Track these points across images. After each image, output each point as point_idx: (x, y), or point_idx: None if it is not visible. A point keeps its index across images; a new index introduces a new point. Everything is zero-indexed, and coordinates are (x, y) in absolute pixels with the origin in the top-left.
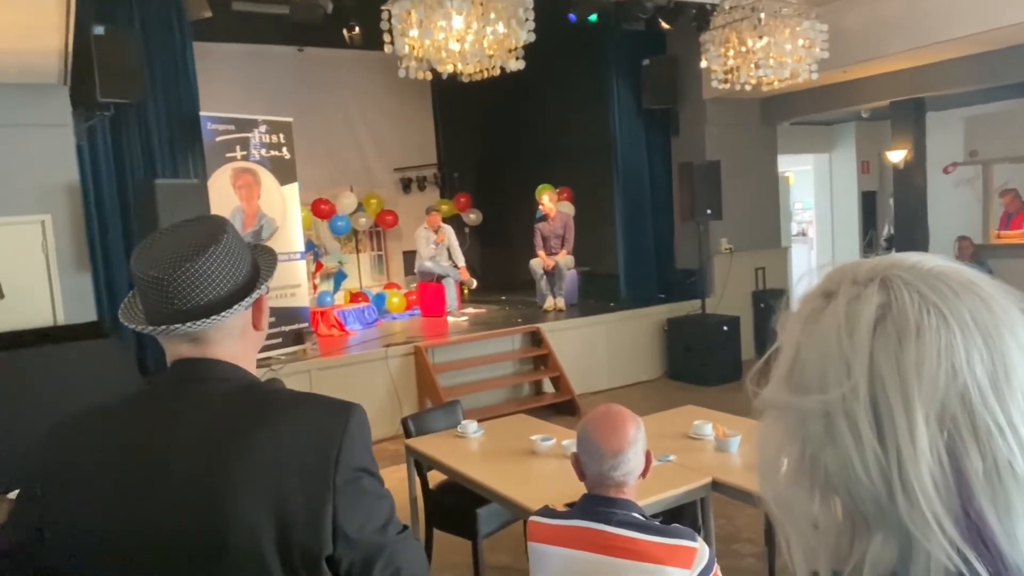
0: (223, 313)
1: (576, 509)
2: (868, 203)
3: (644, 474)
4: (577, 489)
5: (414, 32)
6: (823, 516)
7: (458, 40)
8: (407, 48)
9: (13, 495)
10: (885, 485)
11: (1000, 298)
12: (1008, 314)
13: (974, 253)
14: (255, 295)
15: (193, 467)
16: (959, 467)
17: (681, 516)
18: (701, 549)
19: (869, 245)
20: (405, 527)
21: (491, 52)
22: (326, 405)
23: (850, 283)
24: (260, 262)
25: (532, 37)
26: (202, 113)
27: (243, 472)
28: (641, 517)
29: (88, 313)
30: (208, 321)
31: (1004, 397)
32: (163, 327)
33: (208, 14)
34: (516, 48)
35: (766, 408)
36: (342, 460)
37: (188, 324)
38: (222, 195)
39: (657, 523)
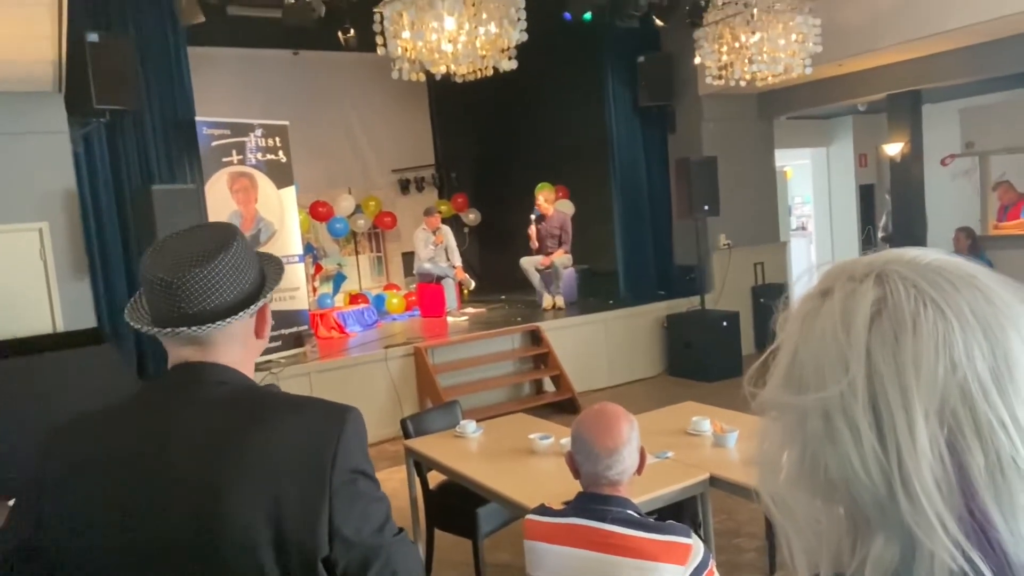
0: (228, 319)
1: (571, 507)
2: (866, 196)
3: (639, 471)
4: (575, 487)
5: (406, 34)
6: (825, 518)
7: (450, 41)
8: (400, 50)
9: (13, 502)
10: (885, 484)
11: (1001, 291)
12: (1010, 308)
13: (972, 245)
14: (260, 303)
15: (190, 469)
16: (961, 464)
17: (682, 512)
18: (696, 545)
19: (868, 241)
20: (401, 529)
21: (484, 52)
22: (323, 408)
23: (846, 280)
24: (267, 271)
25: (524, 37)
26: (198, 118)
27: (239, 474)
28: (636, 514)
29: (87, 320)
30: (213, 326)
31: (1007, 391)
32: (168, 329)
33: (202, 19)
34: (509, 48)
35: (765, 409)
36: (338, 462)
37: (194, 328)
38: (219, 200)
39: (652, 520)
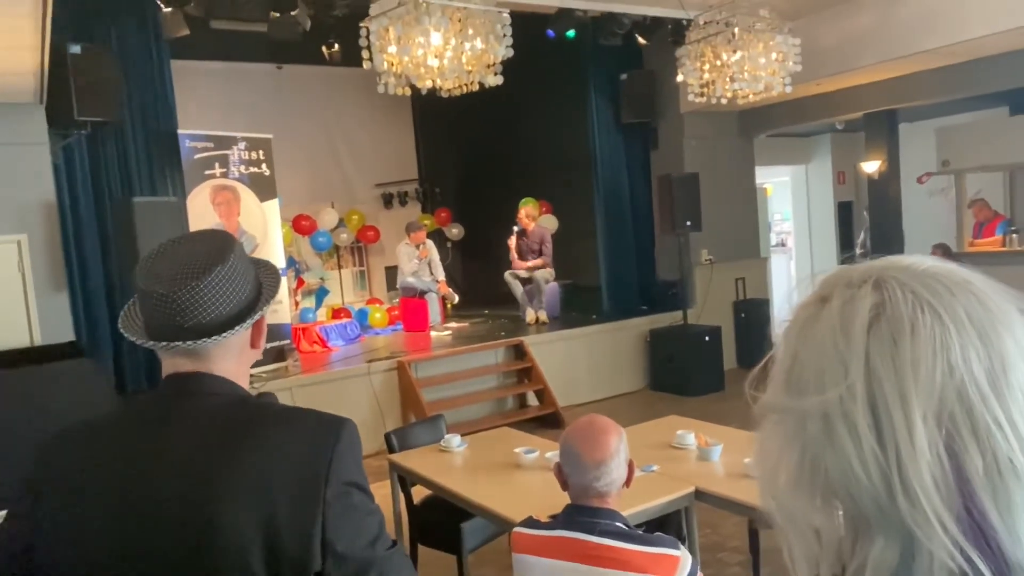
0: (226, 333)
1: (559, 520)
2: (844, 213)
3: (627, 483)
4: (561, 501)
5: (392, 48)
6: (825, 522)
7: (436, 56)
8: (386, 64)
9: (6, 513)
10: (885, 485)
11: (996, 297)
12: (1005, 313)
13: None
14: (256, 316)
15: (182, 480)
16: (959, 465)
17: (666, 525)
18: (684, 557)
19: (851, 258)
20: (394, 542)
21: (469, 68)
22: (318, 419)
23: (844, 286)
24: (263, 280)
25: (510, 53)
26: (180, 131)
27: (232, 485)
28: (624, 526)
29: (65, 333)
30: (210, 340)
31: (1002, 394)
32: (164, 343)
33: (186, 32)
34: (494, 64)
35: (765, 413)
36: (332, 474)
37: (189, 342)
38: (201, 212)
39: (640, 532)
